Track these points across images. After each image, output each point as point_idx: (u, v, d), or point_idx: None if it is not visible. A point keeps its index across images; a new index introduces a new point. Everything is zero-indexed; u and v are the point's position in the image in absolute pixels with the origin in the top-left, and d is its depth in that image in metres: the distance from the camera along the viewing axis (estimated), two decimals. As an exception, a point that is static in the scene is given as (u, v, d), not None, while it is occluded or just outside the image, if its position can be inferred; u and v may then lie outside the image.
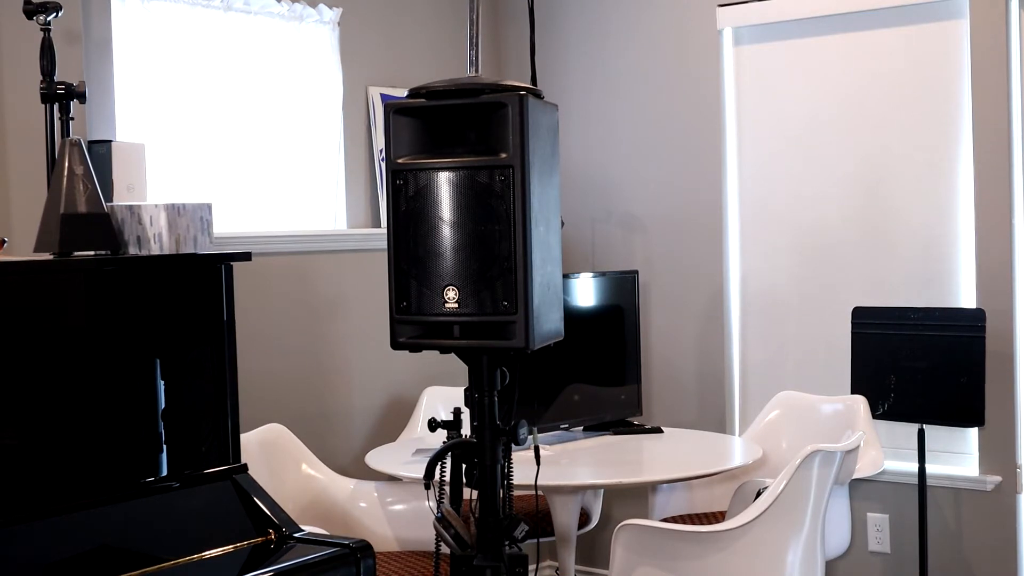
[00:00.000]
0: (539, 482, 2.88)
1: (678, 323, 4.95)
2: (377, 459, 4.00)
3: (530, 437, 2.77)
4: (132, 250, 2.98)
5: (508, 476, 2.75)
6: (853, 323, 4.30)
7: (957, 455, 4.38)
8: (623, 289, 4.64)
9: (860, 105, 4.54)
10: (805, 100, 4.66)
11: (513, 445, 2.74)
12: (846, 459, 3.64)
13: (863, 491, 4.45)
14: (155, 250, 2.95)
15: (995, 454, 4.26)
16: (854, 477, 3.87)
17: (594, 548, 4.94)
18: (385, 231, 2.69)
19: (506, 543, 2.71)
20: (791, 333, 4.72)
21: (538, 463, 2.84)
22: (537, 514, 3.87)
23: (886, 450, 4.15)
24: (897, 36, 4.45)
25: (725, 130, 4.82)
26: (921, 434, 4.18)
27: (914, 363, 4.16)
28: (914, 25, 4.41)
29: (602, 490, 4.44)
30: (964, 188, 4.32)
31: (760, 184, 4.77)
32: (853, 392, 4.23)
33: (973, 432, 4.31)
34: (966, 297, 4.32)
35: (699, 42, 4.83)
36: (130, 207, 2.99)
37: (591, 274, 4.66)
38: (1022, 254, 4.21)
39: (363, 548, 2.94)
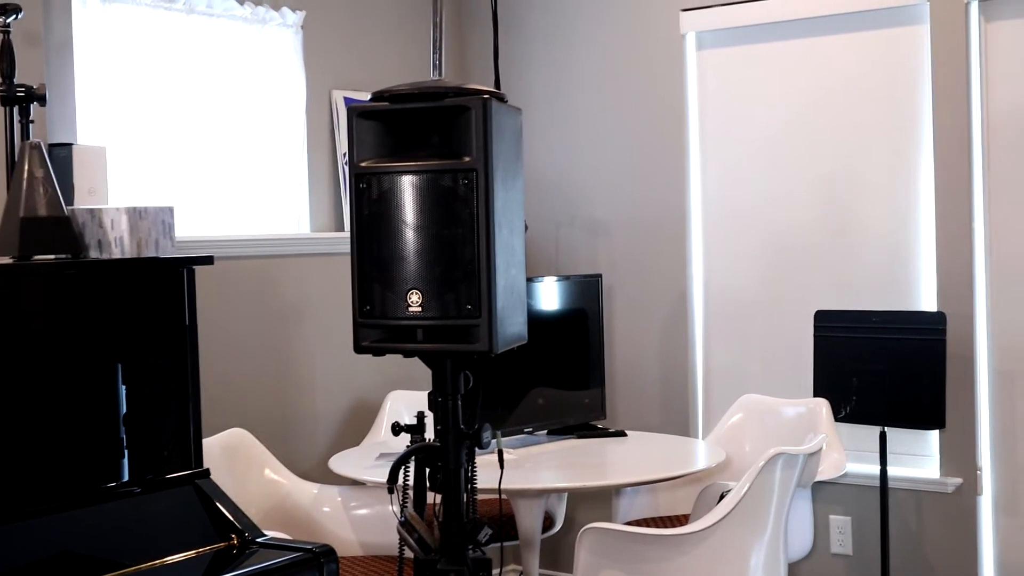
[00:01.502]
0: (503, 486, 2.88)
1: (642, 327, 4.96)
2: (340, 463, 3.99)
3: (494, 441, 2.77)
4: (93, 254, 2.96)
5: (472, 480, 2.75)
6: (816, 326, 4.32)
7: (919, 457, 4.41)
8: (587, 293, 4.65)
9: (823, 109, 4.56)
10: (769, 104, 4.68)
11: (477, 449, 2.74)
12: (809, 462, 3.66)
13: (826, 494, 4.47)
14: (116, 254, 2.93)
15: (956, 456, 4.29)
16: (817, 480, 3.89)
17: (558, 552, 4.95)
18: (349, 235, 2.68)
19: (470, 547, 2.71)
20: (755, 336, 4.74)
21: (502, 467, 2.84)
22: (501, 518, 3.87)
23: (848, 452, 4.17)
24: (859, 41, 4.48)
25: (688, 134, 4.84)
26: (883, 436, 4.20)
27: (876, 366, 4.19)
28: (876, 30, 4.44)
29: (566, 494, 4.44)
30: (925, 192, 4.36)
31: (724, 188, 4.79)
32: (816, 395, 4.25)
33: (934, 434, 4.34)
34: (927, 301, 4.35)
35: (662, 46, 4.85)
36: (91, 210, 2.97)
37: (555, 278, 4.66)
38: (981, 258, 4.25)
39: (326, 553, 2.93)
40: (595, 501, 4.81)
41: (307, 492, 4.01)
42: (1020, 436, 4.22)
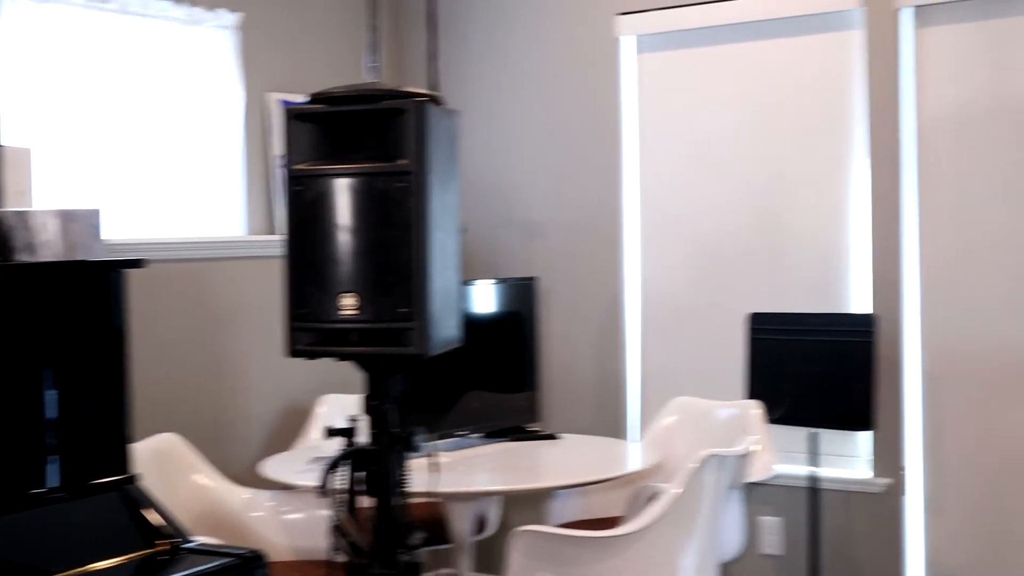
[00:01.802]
0: (436, 489, 2.88)
1: (577, 329, 4.98)
2: (272, 468, 3.96)
3: (427, 444, 2.77)
4: (22, 257, 2.92)
5: (404, 484, 2.75)
6: (749, 329, 4.36)
7: (849, 458, 4.46)
8: (523, 296, 4.65)
9: (759, 114, 4.61)
10: (706, 108, 4.71)
11: (410, 452, 2.73)
12: (740, 463, 3.69)
13: (757, 495, 4.51)
14: (46, 257, 2.90)
15: (885, 457, 4.34)
16: (748, 481, 3.92)
17: (493, 555, 4.94)
18: (284, 238, 2.66)
19: (402, 551, 2.71)
20: (690, 339, 4.77)
21: (434, 471, 2.84)
22: (434, 522, 3.86)
23: (781, 454, 4.21)
24: (795, 46, 4.53)
25: (622, 138, 4.86)
26: (814, 438, 4.25)
27: (808, 368, 4.23)
28: (811, 35, 4.49)
29: (500, 497, 4.44)
30: (859, 196, 4.41)
31: (662, 191, 4.82)
32: (749, 397, 4.29)
33: (866, 435, 4.39)
34: (859, 303, 4.40)
35: (598, 50, 4.87)
36: (19, 213, 2.93)
37: (491, 280, 4.66)
38: (915, 262, 4.30)
39: (255, 558, 2.91)
40: (529, 504, 4.81)
41: (238, 497, 3.97)
42: (950, 437, 4.28)
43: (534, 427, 4.60)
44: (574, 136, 4.96)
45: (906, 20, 4.28)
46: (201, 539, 3.03)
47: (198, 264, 4.36)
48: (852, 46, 4.39)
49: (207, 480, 3.96)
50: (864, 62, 4.34)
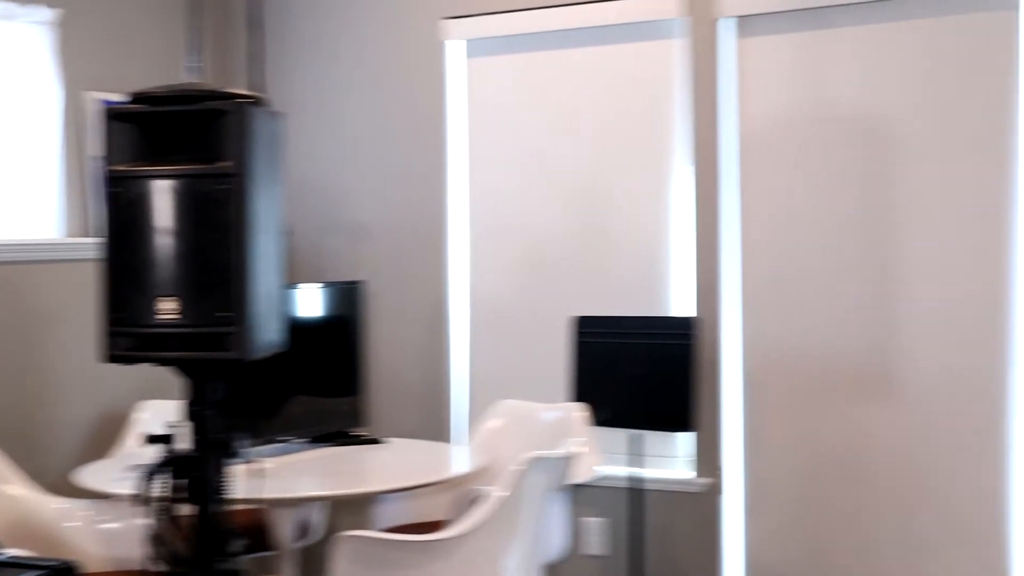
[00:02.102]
0: (259, 495, 2.84)
1: (403, 333, 4.97)
2: (88, 476, 3.85)
3: (250, 450, 2.73)
4: None
5: (225, 490, 2.70)
6: (574, 332, 4.41)
7: (672, 459, 4.54)
8: (348, 299, 4.62)
9: (584, 119, 4.66)
10: (535, 113, 4.75)
11: (231, 459, 2.69)
12: (564, 465, 3.73)
13: (581, 496, 4.56)
14: None
15: (706, 458, 4.44)
16: (572, 483, 3.97)
17: (317, 561, 4.89)
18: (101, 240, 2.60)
19: (222, 559, 2.66)
20: (518, 342, 4.80)
21: (257, 477, 2.80)
22: (256, 528, 3.81)
23: (604, 456, 4.26)
24: (621, 53, 4.60)
25: (448, 141, 4.87)
26: (637, 439, 4.32)
27: (631, 371, 4.30)
28: (636, 43, 4.56)
29: (325, 502, 4.41)
30: (680, 202, 4.50)
31: (491, 195, 4.84)
32: (574, 400, 4.33)
33: (687, 436, 4.48)
34: (681, 307, 4.49)
35: (425, 53, 4.87)
36: None
37: (317, 284, 4.62)
38: (736, 266, 4.41)
39: (67, 569, 2.82)
40: (355, 509, 4.78)
41: (52, 507, 3.85)
42: (768, 438, 4.40)
43: (359, 432, 4.57)
44: (401, 139, 4.96)
45: (727, 30, 4.38)
46: (11, 551, 2.93)
47: (10, 267, 4.21)
48: (676, 54, 4.49)
49: (19, 490, 3.83)
50: (687, 70, 4.44)
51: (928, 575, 4.15)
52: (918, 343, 4.14)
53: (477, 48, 4.85)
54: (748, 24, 4.36)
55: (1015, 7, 3.95)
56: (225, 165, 2.55)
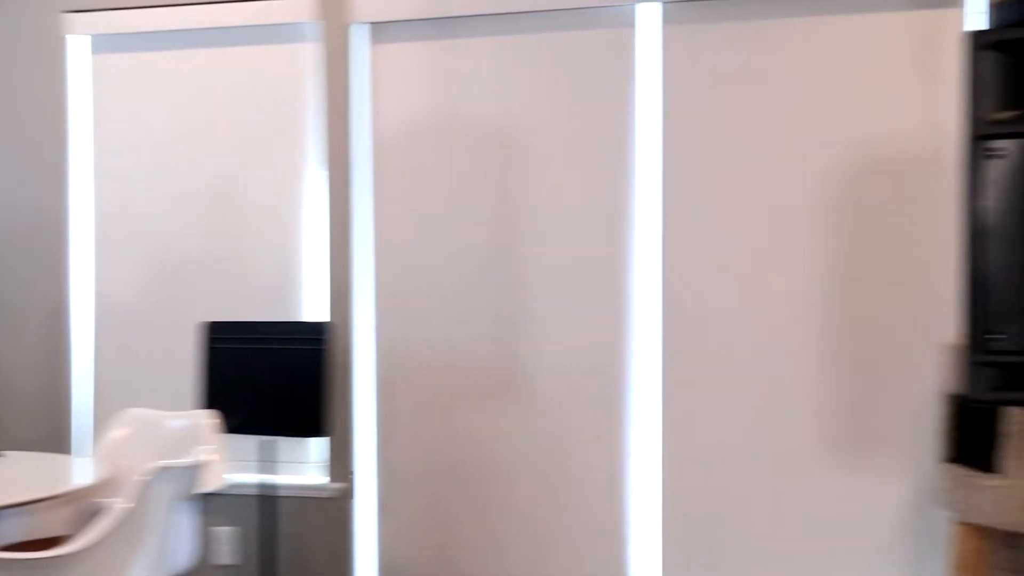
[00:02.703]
0: None
1: (19, 340, 4.72)
2: None
3: None
4: None
5: None
6: (204, 337, 4.32)
7: (306, 465, 4.53)
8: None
9: (217, 121, 4.58)
10: (165, 113, 4.63)
11: None
12: (192, 474, 3.65)
13: (211, 505, 4.48)
14: None
15: (340, 463, 4.45)
16: (202, 492, 3.88)
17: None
18: None
19: None
20: (147, 348, 4.66)
21: None
22: None
23: (236, 463, 4.20)
24: (253, 55, 4.54)
25: (68, 141, 4.67)
26: (269, 446, 4.28)
27: (263, 376, 4.26)
28: (269, 45, 4.52)
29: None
30: (313, 206, 4.49)
31: (118, 197, 4.68)
32: (205, 407, 4.25)
33: (321, 442, 4.47)
34: (315, 312, 4.48)
35: (45, 48, 4.65)
36: None
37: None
38: (363, 271, 4.44)
39: None
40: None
41: None
42: (401, 441, 4.45)
43: (-28, 445, 4.31)
44: (16, 138, 4.71)
45: (361, 36, 4.41)
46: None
47: None
48: (309, 59, 4.48)
49: None
50: (321, 75, 4.44)
51: (552, 569, 4.32)
52: (545, 345, 4.30)
53: (104, 44, 4.68)
54: (381, 31, 4.41)
55: (632, 23, 4.17)
56: None
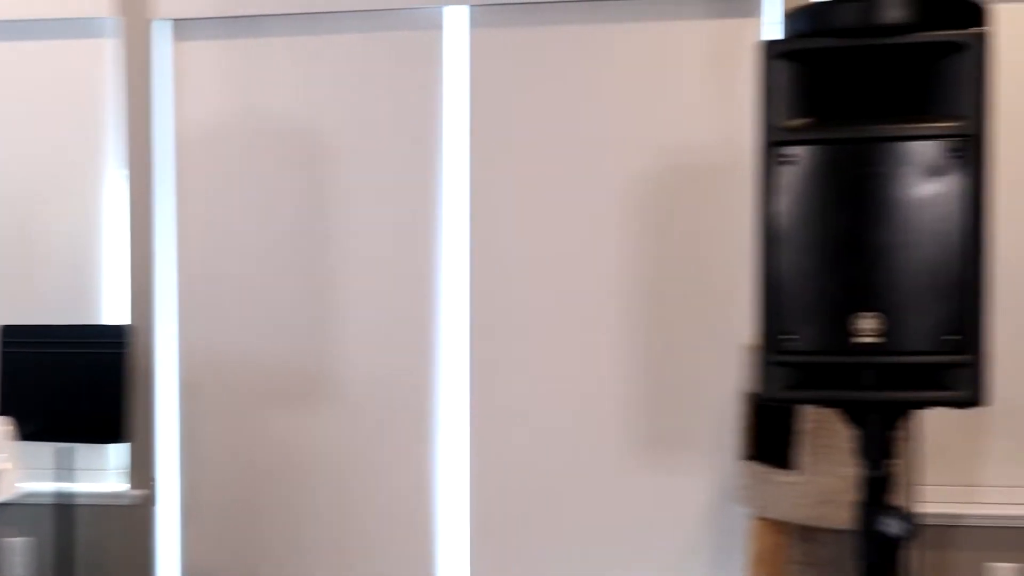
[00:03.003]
0: None
1: None
2: None
3: None
4: None
5: None
6: (1, 342, 4.18)
7: (104, 472, 4.41)
8: None
9: (7, 116, 4.44)
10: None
11: None
12: (-18, 485, 3.52)
13: (4, 515, 4.33)
14: None
15: (141, 469, 4.35)
16: (-7, 502, 3.76)
17: None
18: None
19: None
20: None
21: None
22: None
23: (31, 471, 4.07)
24: (49, 49, 4.41)
25: None
26: (66, 453, 4.15)
27: (60, 381, 4.14)
28: (66, 40, 4.40)
29: None
30: (113, 207, 4.38)
31: None
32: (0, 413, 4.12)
33: (121, 448, 4.37)
34: (115, 315, 4.37)
35: None
36: None
37: None
38: (165, 273, 4.35)
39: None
40: None
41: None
42: (206, 445, 4.37)
43: None
44: None
45: (162, 33, 4.32)
46: None
47: None
48: (109, 55, 4.36)
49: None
50: (121, 72, 4.33)
51: (361, 571, 4.30)
52: (352, 348, 4.28)
53: None
54: (184, 28, 4.32)
55: (440, 26, 4.18)
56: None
